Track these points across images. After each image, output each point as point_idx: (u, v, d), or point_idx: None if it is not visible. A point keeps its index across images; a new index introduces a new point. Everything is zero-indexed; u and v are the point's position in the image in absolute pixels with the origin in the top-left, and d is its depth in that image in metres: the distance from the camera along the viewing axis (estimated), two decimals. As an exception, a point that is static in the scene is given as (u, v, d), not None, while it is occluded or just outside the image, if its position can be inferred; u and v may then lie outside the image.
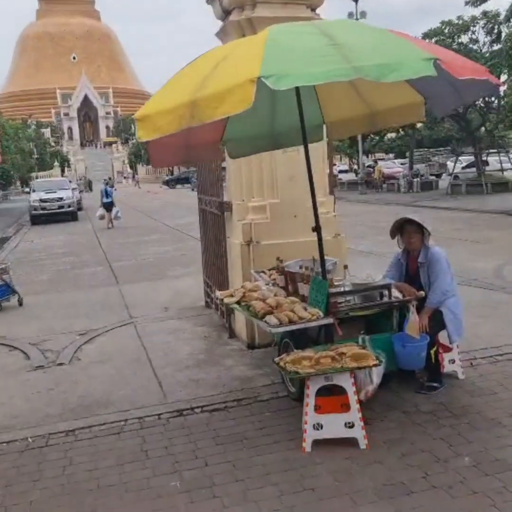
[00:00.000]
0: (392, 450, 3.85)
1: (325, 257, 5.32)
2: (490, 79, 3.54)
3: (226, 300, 4.90)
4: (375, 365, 3.90)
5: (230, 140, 5.06)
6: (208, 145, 5.00)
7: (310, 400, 3.91)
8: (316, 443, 3.93)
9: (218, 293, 5.08)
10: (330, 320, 4.15)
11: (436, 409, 4.42)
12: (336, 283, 4.63)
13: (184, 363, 5.94)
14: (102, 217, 21.79)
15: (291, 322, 4.13)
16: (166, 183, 63.17)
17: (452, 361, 5.03)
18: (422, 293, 4.63)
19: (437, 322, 4.74)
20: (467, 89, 4.05)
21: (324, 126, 5.47)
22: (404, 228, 4.90)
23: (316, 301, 4.35)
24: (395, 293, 4.63)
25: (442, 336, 4.94)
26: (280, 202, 6.10)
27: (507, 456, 3.69)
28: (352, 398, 3.89)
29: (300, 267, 4.88)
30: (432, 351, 4.66)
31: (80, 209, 30.04)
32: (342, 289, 4.58)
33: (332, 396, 4.03)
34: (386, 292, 4.55)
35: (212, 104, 2.90)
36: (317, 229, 4.27)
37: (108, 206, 21.74)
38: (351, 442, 3.91)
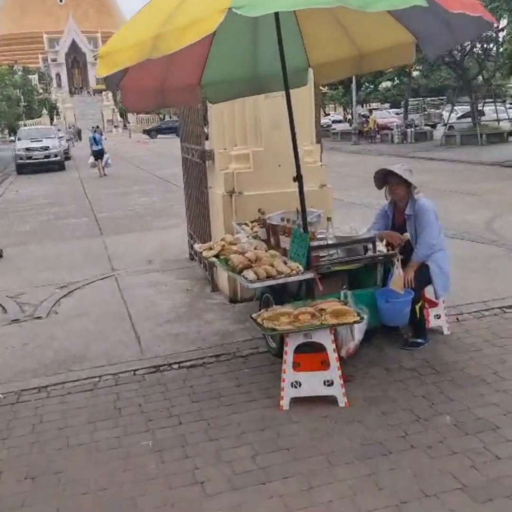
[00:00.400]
0: (372, 409, 3.74)
1: (310, 209, 5.12)
2: (484, 16, 3.24)
3: (204, 254, 4.70)
4: (356, 322, 3.74)
5: (209, 84, 4.75)
6: (185, 89, 4.69)
7: (288, 357, 3.77)
8: (294, 401, 3.81)
9: (197, 246, 4.88)
10: (310, 275, 3.97)
11: (419, 366, 4.30)
12: (318, 236, 4.43)
13: (164, 317, 5.79)
14: (94, 166, 21.65)
15: (269, 277, 3.95)
16: (147, 132, 57.39)
17: (438, 317, 4.90)
18: (407, 235, 4.44)
19: (423, 276, 4.57)
20: (461, 29, 3.75)
21: (310, 70, 5.15)
22: (388, 180, 4.68)
23: (296, 255, 4.16)
24: (380, 246, 4.45)
25: (428, 291, 4.80)
26: (264, 150, 5.82)
27: (488, 415, 3.58)
28: (332, 356, 3.75)
29: (282, 220, 4.67)
30: (417, 307, 4.52)
31: (68, 158, 29.53)
32: (324, 243, 4.38)
33: (311, 353, 3.89)
34: (370, 245, 4.36)
35: (175, 36, 2.64)
36: (298, 179, 4.04)
37: (98, 154, 21.52)
38: (330, 400, 3.80)
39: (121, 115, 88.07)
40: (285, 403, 3.79)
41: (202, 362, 4.69)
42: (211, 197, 6.28)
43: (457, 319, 5.22)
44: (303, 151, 5.94)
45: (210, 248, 4.78)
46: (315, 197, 5.90)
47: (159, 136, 53.42)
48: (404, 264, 4.45)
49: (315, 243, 4.20)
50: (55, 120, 77.48)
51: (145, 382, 4.38)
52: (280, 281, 3.94)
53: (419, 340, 4.65)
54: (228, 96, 5.06)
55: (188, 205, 7.87)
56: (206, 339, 5.15)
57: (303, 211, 4.07)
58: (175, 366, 4.66)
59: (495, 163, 18.02)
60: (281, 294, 4.36)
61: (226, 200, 5.88)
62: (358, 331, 4.07)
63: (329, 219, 4.55)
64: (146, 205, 13.39)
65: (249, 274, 3.96)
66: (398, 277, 4.22)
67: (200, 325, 5.47)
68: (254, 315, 3.94)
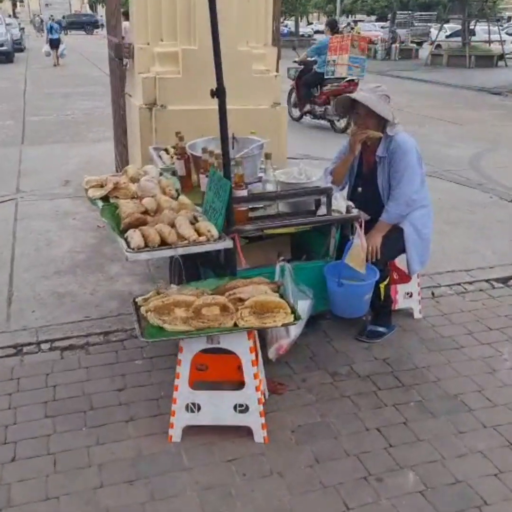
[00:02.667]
0: (302, 450, 2.54)
1: (249, 136, 3.77)
2: None
3: (90, 193, 3.29)
4: (287, 325, 2.45)
5: None
6: None
7: (182, 369, 2.50)
8: (191, 430, 2.58)
9: (84, 181, 3.46)
10: (227, 244, 2.62)
11: (377, 371, 3.10)
12: (249, 182, 3.06)
13: (56, 265, 4.43)
14: (48, 54, 21.47)
15: (164, 243, 2.59)
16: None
17: (409, 295, 3.66)
18: (364, 215, 3.10)
19: (394, 244, 3.29)
20: None
21: None
22: (354, 107, 3.28)
23: (212, 210, 2.80)
24: (339, 201, 3.10)
25: (400, 260, 3.53)
26: (197, 49, 4.27)
27: (467, 477, 2.42)
28: (249, 371, 2.49)
29: (203, 150, 3.25)
30: (382, 285, 3.26)
31: (20, 50, 26.77)
32: (259, 191, 3.03)
33: (225, 354, 2.62)
34: (324, 198, 3.01)
35: None
36: (218, 93, 2.58)
37: (54, 43, 21.43)
38: (243, 432, 2.58)
39: (91, 7, 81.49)
40: (175, 433, 2.56)
41: (85, 342, 3.41)
42: (128, 109, 4.78)
43: (433, 294, 4.01)
44: (251, 54, 4.44)
45: (101, 185, 3.37)
46: (263, 119, 4.48)
47: (70, 31, 46.45)
48: (371, 227, 3.16)
49: (240, 193, 2.83)
50: (18, 7, 71.53)
51: (-9, 373, 3.10)
52: (178, 251, 2.59)
53: (380, 329, 3.43)
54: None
55: (114, 119, 6.30)
56: (100, 305, 3.84)
57: (224, 142, 2.65)
58: (45, 346, 3.37)
59: (483, 89, 16.41)
60: (194, 260, 3.03)
61: (145, 114, 4.39)
62: (296, 326, 2.80)
63: (267, 156, 3.15)
64: (87, 111, 11.58)
65: (135, 237, 2.59)
66: (359, 250, 2.92)
67: (98, 282, 4.14)
68: (139, 299, 2.61)
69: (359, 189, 3.46)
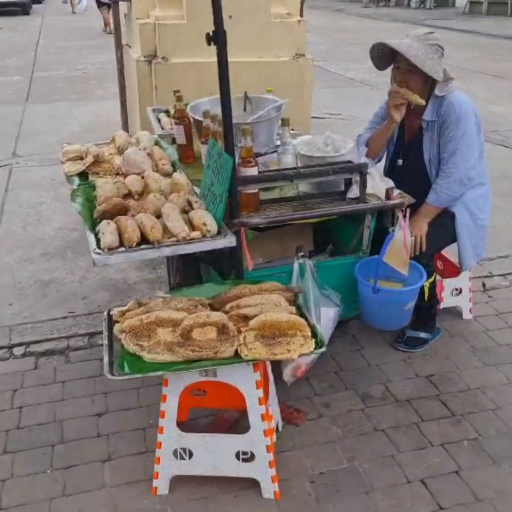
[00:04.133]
0: (325, 510, 1.95)
1: (268, 95, 3.13)
2: None
3: (66, 167, 2.67)
4: (304, 355, 1.83)
5: None
6: None
7: (168, 406, 1.91)
8: (180, 480, 2.02)
9: (60, 152, 2.84)
10: (229, 242, 1.99)
11: (419, 393, 2.48)
12: (263, 152, 2.41)
13: (44, 245, 3.87)
14: (64, 1, 21.73)
15: (145, 240, 1.97)
16: None
17: (458, 291, 3.00)
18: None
19: (442, 233, 2.64)
20: None
21: None
22: (396, 60, 2.57)
23: (211, 194, 2.16)
24: (376, 180, 2.43)
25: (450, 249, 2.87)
26: (205, -11, 3.55)
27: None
28: (255, 410, 1.89)
29: (205, 115, 2.59)
30: (427, 283, 2.60)
31: (38, 1, 25.92)
32: (272, 168, 2.38)
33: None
34: (357, 177, 2.34)
35: None
36: (216, 36, 1.90)
37: None
38: (248, 484, 2.01)
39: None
40: (161, 484, 2.00)
41: (65, 345, 2.86)
42: (127, 63, 4.10)
43: (484, 285, 3.35)
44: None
45: (81, 157, 2.75)
46: (282, 74, 3.78)
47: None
48: (413, 210, 2.50)
49: (249, 171, 2.18)
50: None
51: None
52: (163, 252, 1.96)
53: (422, 335, 2.80)
54: None
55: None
56: (89, 296, 3.27)
57: (225, 104, 1.98)
58: (18, 351, 2.83)
59: (527, 40, 15.14)
60: (194, 257, 2.40)
61: (143, 69, 3.72)
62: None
63: (285, 121, 2.47)
64: (99, 65, 10.84)
65: (107, 232, 1.97)
66: (400, 246, 2.27)
67: (89, 267, 3.56)
68: (114, 313, 2.01)
69: (399, 162, 2.78)
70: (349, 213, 2.31)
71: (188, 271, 2.45)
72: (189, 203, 2.19)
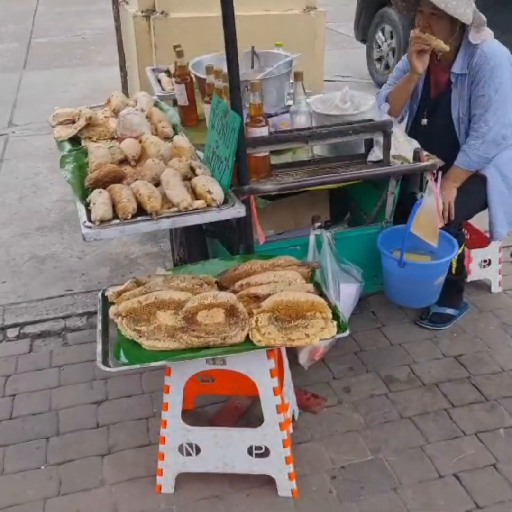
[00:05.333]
0: (349, 509, 1.76)
1: (277, 50, 2.87)
2: None
3: (57, 132, 2.43)
4: (324, 339, 1.61)
5: None
6: None
7: (171, 398, 1.70)
8: (187, 477, 1.83)
9: (51, 115, 2.59)
10: (237, 212, 1.75)
11: (448, 376, 2.26)
12: (273, 112, 2.15)
13: (40, 218, 3.65)
14: None
15: (142, 211, 1.74)
16: None
17: (486, 263, 2.76)
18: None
19: (473, 199, 2.39)
20: None
21: None
22: (419, 4, 2.28)
23: (216, 158, 1.91)
24: (400, 141, 2.18)
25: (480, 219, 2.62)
26: None
27: None
28: (269, 401, 1.68)
29: (208, 71, 2.33)
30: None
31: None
32: (282, 128, 2.12)
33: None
34: (379, 138, 2.08)
35: None
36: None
37: None
38: (263, 481, 1.81)
39: None
40: (165, 482, 1.81)
41: (62, 326, 2.66)
42: (124, 20, 3.81)
43: (512, 256, 3.11)
44: None
45: (73, 121, 2.51)
46: (292, 28, 3.49)
47: None
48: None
49: (258, 132, 1.93)
50: None
51: None
52: (162, 224, 1.74)
53: (448, 311, 2.57)
54: None
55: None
56: (88, 273, 3.06)
57: (230, 59, 1.73)
58: (12, 332, 2.63)
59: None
60: (200, 229, 2.16)
61: (141, 25, 3.44)
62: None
63: (298, 75, 2.20)
64: (100, 30, 10.42)
65: (99, 202, 1.73)
66: (429, 215, 2.02)
67: (89, 241, 3.33)
68: (110, 293, 1.79)
69: (424, 121, 2.50)
70: (373, 178, 2.06)
71: (193, 245, 2.22)
72: (192, 168, 1.95)
